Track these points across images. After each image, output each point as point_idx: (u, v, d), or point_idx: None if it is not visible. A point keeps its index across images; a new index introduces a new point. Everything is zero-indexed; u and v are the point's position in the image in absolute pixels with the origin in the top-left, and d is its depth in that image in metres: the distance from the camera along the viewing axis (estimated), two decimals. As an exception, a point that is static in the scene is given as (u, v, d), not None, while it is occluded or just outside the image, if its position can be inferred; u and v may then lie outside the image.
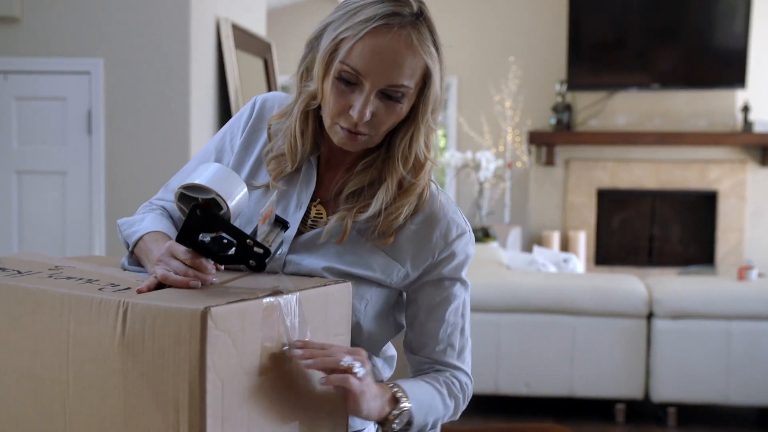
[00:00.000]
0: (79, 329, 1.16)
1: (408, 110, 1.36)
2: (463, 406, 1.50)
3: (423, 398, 1.39)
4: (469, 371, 1.51)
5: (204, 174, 1.26)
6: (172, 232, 1.41)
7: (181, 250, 1.24)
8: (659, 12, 7.70)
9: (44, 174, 4.52)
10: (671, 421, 4.35)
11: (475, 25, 8.39)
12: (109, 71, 4.52)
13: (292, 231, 1.41)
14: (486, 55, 8.38)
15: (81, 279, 1.24)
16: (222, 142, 1.52)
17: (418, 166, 1.40)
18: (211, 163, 1.29)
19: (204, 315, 1.07)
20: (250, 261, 1.24)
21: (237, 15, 5.32)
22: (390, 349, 1.57)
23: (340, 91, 1.33)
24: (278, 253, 1.38)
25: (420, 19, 1.32)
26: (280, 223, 1.30)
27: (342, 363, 1.21)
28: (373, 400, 1.27)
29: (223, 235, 1.24)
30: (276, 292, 1.19)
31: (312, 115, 1.42)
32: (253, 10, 5.81)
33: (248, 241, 1.23)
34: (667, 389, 4.30)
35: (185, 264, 1.23)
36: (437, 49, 1.34)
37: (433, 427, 1.42)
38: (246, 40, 5.44)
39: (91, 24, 4.52)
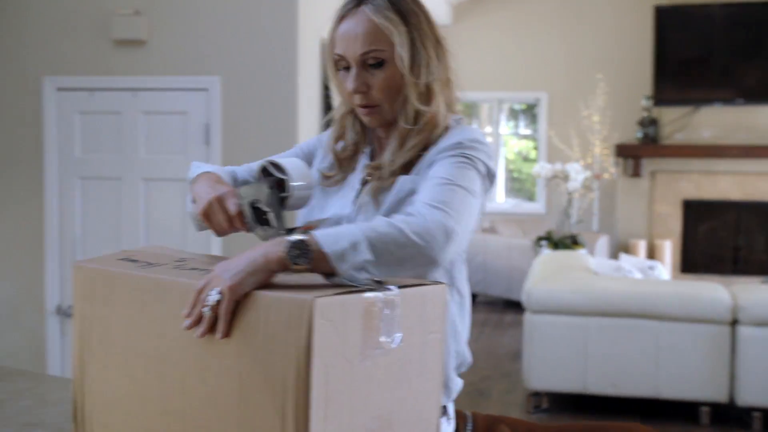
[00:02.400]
0: (200, 316, 1.19)
1: (398, 73, 1.43)
2: (418, 229, 1.23)
3: (329, 230, 1.21)
4: (428, 201, 1.28)
5: (292, 164, 1.38)
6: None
7: (232, 201, 1.33)
8: (743, 29, 7.46)
9: (167, 181, 4.65)
10: (756, 425, 4.19)
11: (565, 45, 8.29)
12: (225, 88, 4.63)
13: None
14: (575, 72, 8.27)
15: (203, 270, 1.27)
16: (300, 151, 1.70)
17: (418, 118, 1.45)
18: (299, 159, 1.42)
19: (311, 305, 1.09)
20: None
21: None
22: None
23: (343, 78, 1.47)
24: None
25: None
26: None
27: (205, 313, 1.15)
28: (248, 272, 1.15)
29: (271, 214, 1.32)
30: (376, 288, 1.19)
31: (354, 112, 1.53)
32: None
33: (282, 231, 1.30)
34: (753, 394, 4.14)
35: (223, 222, 1.32)
36: (401, 14, 1.42)
37: (354, 249, 1.18)
38: (349, 59, 5.49)
39: (209, 45, 4.65)
